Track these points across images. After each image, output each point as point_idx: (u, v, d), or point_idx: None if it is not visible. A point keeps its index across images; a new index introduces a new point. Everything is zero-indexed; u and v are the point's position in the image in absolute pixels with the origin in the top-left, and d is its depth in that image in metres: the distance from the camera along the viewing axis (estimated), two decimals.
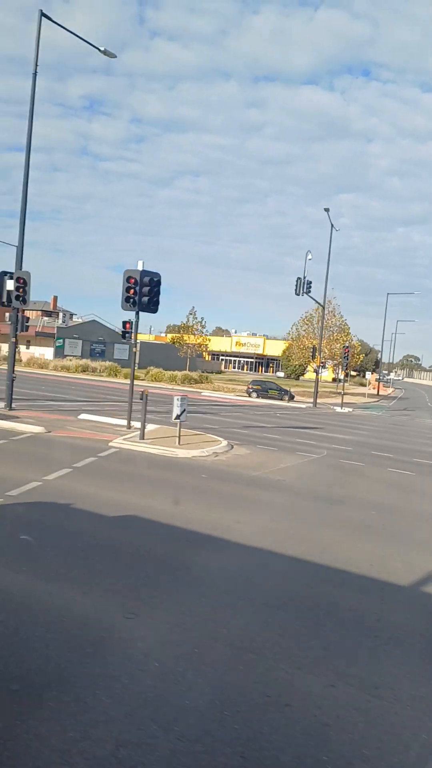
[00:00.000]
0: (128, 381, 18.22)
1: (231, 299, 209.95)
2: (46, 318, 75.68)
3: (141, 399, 14.85)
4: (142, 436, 14.88)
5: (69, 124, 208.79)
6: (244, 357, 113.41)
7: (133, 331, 17.10)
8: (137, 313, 16.30)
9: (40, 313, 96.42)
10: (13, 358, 18.53)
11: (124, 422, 17.15)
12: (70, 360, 55.79)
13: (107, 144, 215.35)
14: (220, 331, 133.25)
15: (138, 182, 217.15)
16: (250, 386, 43.43)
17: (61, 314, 70.36)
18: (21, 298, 17.67)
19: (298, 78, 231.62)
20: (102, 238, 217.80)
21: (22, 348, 75.19)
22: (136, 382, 19.77)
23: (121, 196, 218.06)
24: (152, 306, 16.18)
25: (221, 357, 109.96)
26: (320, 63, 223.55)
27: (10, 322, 18.16)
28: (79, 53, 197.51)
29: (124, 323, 17.92)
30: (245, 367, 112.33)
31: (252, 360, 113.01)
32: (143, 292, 15.94)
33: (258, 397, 41.35)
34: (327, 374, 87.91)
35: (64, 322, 70.58)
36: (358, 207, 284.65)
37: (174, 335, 76.01)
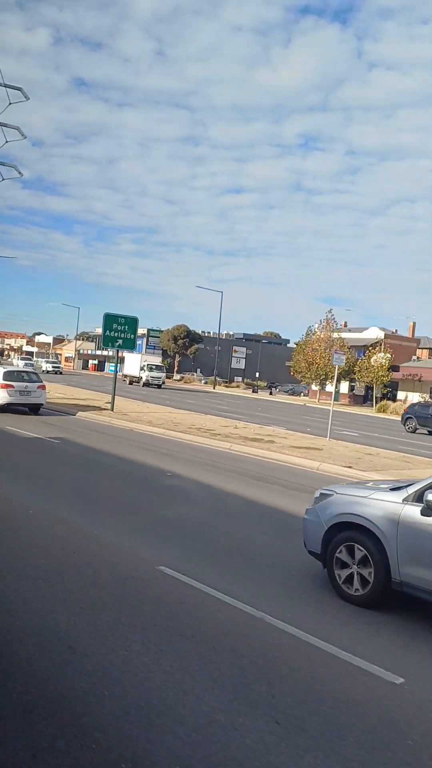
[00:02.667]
0: None
1: None
2: None
3: None
4: None
5: (284, 162, 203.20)
6: None
7: None
8: None
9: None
10: None
11: None
12: None
13: (321, 178, 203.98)
14: None
15: (351, 213, 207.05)
16: None
17: None
18: None
19: None
20: (314, 270, 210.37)
21: (411, 395, 58.71)
22: None
23: (334, 227, 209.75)
24: None
25: None
26: None
27: None
28: (297, 94, 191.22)
29: None
30: None
31: None
32: None
33: None
34: None
35: None
36: None
37: None
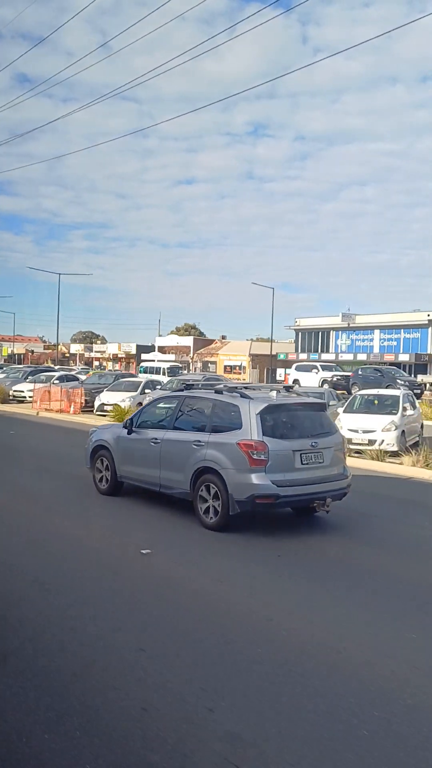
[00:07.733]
0: None
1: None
2: None
3: None
4: None
5: (234, 152, 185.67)
6: None
7: None
8: None
9: None
10: None
11: None
12: None
13: (272, 165, 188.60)
14: None
15: (303, 199, 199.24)
16: None
17: None
18: None
19: None
20: (268, 258, 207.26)
21: None
22: None
23: (286, 214, 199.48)
24: None
25: None
26: None
27: None
28: (244, 82, 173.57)
29: None
30: None
31: None
32: None
33: None
34: None
35: None
36: None
37: None
